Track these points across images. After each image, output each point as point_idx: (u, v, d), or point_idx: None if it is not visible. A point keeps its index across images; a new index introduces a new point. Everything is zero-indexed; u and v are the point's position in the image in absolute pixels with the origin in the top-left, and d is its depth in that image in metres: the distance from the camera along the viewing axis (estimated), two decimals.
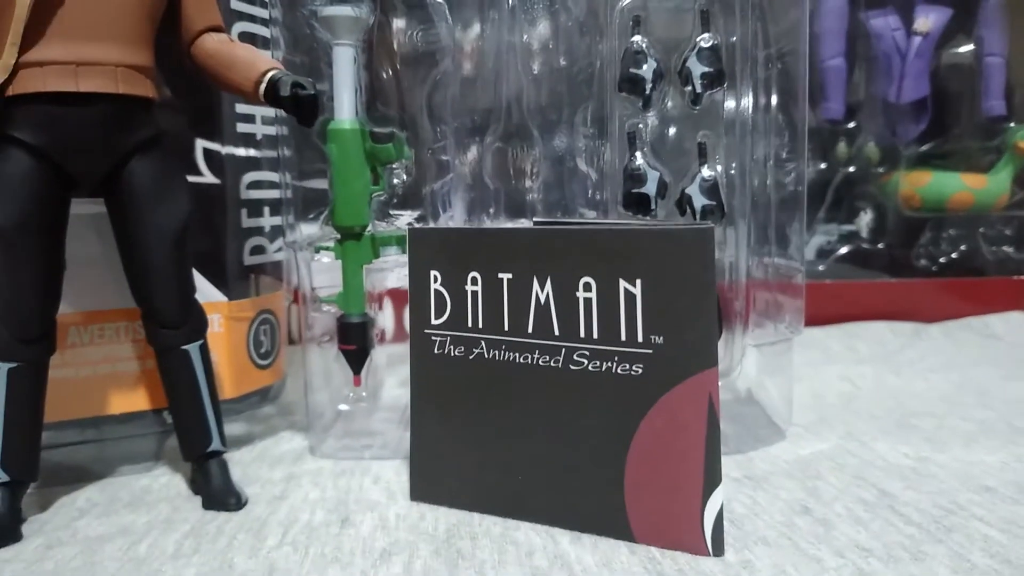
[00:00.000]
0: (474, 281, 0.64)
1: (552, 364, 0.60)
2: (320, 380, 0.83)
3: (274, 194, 0.86)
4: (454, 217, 0.85)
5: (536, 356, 0.61)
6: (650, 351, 0.55)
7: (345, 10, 0.77)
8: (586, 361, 0.58)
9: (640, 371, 0.56)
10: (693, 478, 0.55)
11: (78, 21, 0.61)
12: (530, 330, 0.61)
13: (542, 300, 0.60)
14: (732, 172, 0.80)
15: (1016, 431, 0.85)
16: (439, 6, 0.80)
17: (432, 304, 0.66)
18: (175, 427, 0.71)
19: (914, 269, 1.52)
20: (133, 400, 0.77)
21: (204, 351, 0.70)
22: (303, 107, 0.67)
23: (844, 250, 1.52)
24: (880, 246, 1.52)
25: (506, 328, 0.62)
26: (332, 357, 0.83)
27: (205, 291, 0.79)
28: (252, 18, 0.81)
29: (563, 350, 0.59)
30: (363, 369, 0.81)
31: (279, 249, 0.88)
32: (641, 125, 0.80)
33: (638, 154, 0.80)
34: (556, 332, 0.60)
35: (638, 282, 0.56)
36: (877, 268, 1.52)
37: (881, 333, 1.42)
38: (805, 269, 0.85)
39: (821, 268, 1.51)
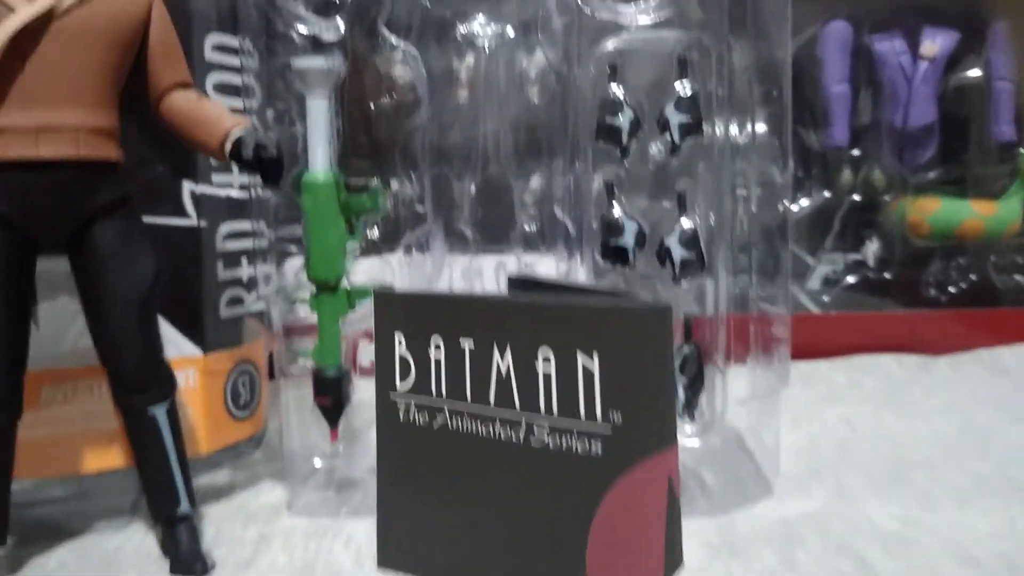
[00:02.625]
0: (437, 347, 0.63)
1: (513, 438, 0.58)
2: (296, 433, 0.83)
3: (254, 243, 0.86)
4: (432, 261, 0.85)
5: (498, 428, 0.59)
6: (609, 430, 0.54)
7: (318, 62, 0.76)
8: (546, 437, 0.57)
9: (599, 450, 0.54)
10: (654, 561, 0.53)
11: (38, 86, 0.61)
12: (492, 401, 0.60)
13: (503, 370, 0.59)
14: (711, 220, 0.78)
15: (1014, 486, 0.82)
16: (413, 58, 0.79)
17: (397, 368, 0.65)
18: (143, 489, 0.71)
19: (923, 299, 1.49)
20: (109, 457, 0.77)
21: (172, 413, 0.69)
22: (266, 169, 0.66)
23: (851, 279, 1.49)
24: (887, 275, 1.48)
25: (468, 397, 0.61)
26: (308, 409, 0.82)
27: (179, 345, 0.79)
28: (226, 68, 0.81)
29: (523, 424, 0.58)
30: (340, 422, 0.81)
31: (259, 299, 0.87)
32: (618, 174, 0.79)
33: (615, 204, 0.78)
34: (517, 404, 0.58)
35: (596, 357, 0.54)
36: (885, 298, 1.49)
37: (888, 367, 1.39)
38: (809, 302, 0.83)
39: (826, 299, 1.48)
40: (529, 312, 0.57)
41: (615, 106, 0.77)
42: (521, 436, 0.58)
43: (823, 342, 1.41)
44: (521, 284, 0.72)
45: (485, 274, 0.99)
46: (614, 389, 0.54)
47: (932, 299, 1.48)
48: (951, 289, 1.48)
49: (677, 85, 0.76)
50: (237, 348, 0.84)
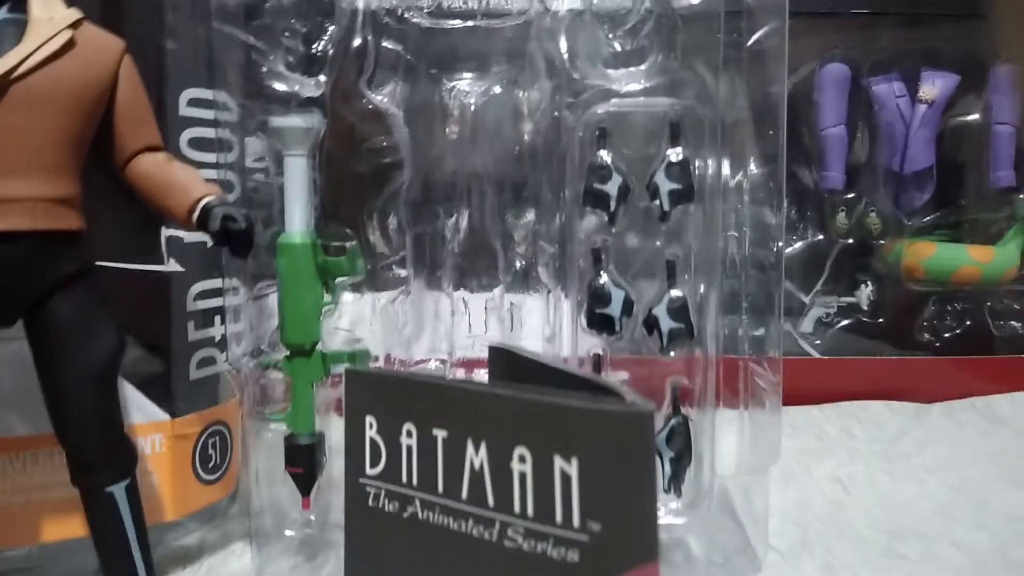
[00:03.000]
0: (409, 434, 0.60)
1: (486, 536, 0.55)
2: (267, 498, 0.80)
3: (227, 301, 0.83)
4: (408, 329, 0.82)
5: (470, 525, 0.56)
6: (586, 538, 0.51)
7: (295, 121, 0.74)
8: (520, 539, 0.54)
9: (576, 559, 0.51)
10: None
11: None
12: (464, 496, 0.57)
13: (476, 465, 0.56)
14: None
15: (1009, 566, 0.80)
16: (395, 116, 0.76)
17: (367, 452, 0.62)
18: (101, 566, 0.67)
19: (917, 344, 1.46)
20: (70, 526, 0.74)
21: (131, 490, 0.66)
22: (235, 241, 0.63)
23: (844, 323, 1.46)
24: (881, 320, 1.46)
25: (440, 490, 0.58)
26: (280, 477, 0.79)
27: (145, 410, 0.76)
28: (202, 122, 0.78)
29: (497, 523, 0.55)
30: (312, 491, 0.78)
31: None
32: (606, 241, 0.76)
33: (602, 272, 0.75)
34: (490, 502, 0.55)
35: (574, 461, 0.51)
36: (878, 342, 1.46)
37: (880, 414, 1.36)
38: (802, 342, 0.80)
39: (818, 342, 1.46)
40: (505, 406, 0.55)
41: (604, 172, 0.74)
42: (494, 535, 0.55)
43: (814, 386, 1.39)
44: (502, 358, 0.69)
45: (472, 313, 0.96)
46: (593, 496, 0.51)
47: (926, 344, 1.45)
48: (946, 335, 1.46)
49: (669, 152, 0.74)
50: (208, 409, 0.81)
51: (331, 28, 0.77)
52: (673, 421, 0.76)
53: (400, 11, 0.76)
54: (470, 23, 0.79)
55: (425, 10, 0.77)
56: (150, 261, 0.77)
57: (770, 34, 0.73)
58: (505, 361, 0.69)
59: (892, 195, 1.45)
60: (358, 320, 0.87)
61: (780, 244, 0.77)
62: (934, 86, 1.42)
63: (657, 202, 0.74)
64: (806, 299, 1.48)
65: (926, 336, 1.46)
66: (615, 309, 0.74)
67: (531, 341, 0.96)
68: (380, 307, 0.87)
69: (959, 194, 1.46)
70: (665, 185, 0.73)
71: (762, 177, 0.79)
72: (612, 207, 0.74)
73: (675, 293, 0.74)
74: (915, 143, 1.42)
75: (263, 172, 0.79)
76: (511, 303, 0.93)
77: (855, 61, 1.43)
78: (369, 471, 0.62)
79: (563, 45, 0.75)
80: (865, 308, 1.46)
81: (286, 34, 0.73)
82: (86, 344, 0.63)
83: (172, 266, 0.78)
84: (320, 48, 0.77)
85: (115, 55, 0.64)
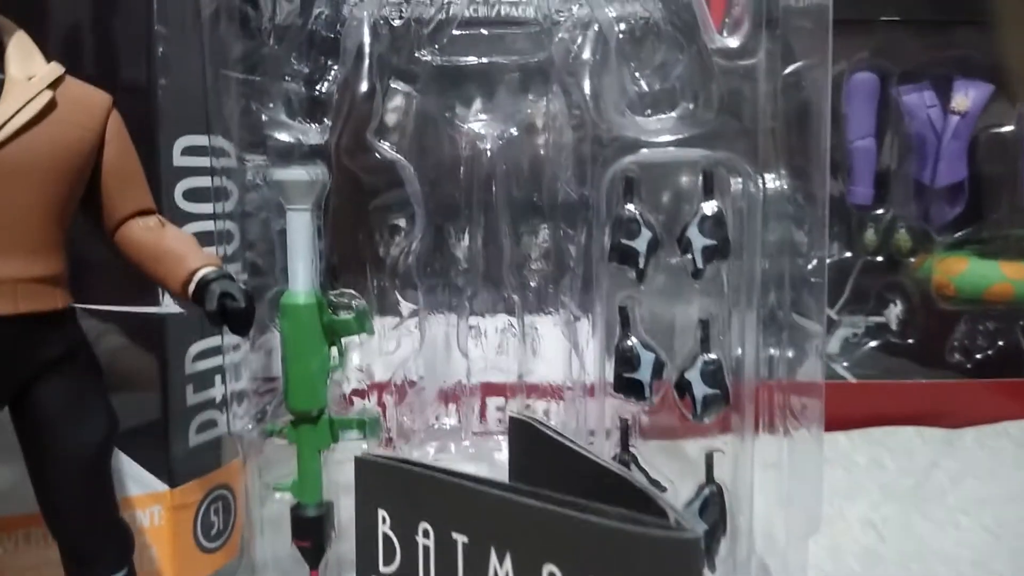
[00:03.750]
0: (426, 534, 0.55)
1: None
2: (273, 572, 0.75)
3: (227, 360, 0.78)
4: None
5: None
6: None
7: (299, 173, 0.68)
8: None
9: None
10: None
11: None
12: None
13: None
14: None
15: None
16: (405, 168, 0.71)
17: (380, 548, 0.57)
18: None
19: (947, 365, 1.40)
20: None
21: None
22: (233, 320, 0.58)
23: (873, 343, 1.41)
24: (911, 341, 1.40)
25: None
26: (287, 549, 0.74)
27: (143, 482, 0.71)
28: (197, 171, 0.72)
29: None
30: (321, 563, 0.73)
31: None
32: (634, 298, 0.71)
33: (630, 334, 0.70)
34: None
35: None
36: (908, 363, 1.41)
37: (910, 442, 1.31)
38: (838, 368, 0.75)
39: (846, 364, 1.40)
40: (534, 518, 0.50)
41: (631, 226, 0.69)
42: None
43: (843, 411, 1.33)
44: (524, 433, 0.64)
45: (488, 336, 0.92)
46: None
47: (957, 365, 1.40)
48: (977, 355, 1.40)
49: (703, 204, 0.68)
50: (210, 474, 0.76)
51: (335, 68, 0.71)
52: (707, 491, 0.71)
53: (410, 49, 0.70)
54: (484, 60, 0.73)
55: (436, 47, 0.72)
56: (144, 302, 0.72)
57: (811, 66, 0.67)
58: (528, 438, 0.64)
59: (922, 209, 1.39)
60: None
61: (822, 258, 0.72)
62: (967, 96, 1.35)
63: (690, 257, 0.69)
64: (834, 315, 1.42)
65: (957, 357, 1.40)
66: (644, 374, 0.69)
67: (547, 366, 0.91)
68: (390, 331, 0.83)
69: (992, 208, 1.39)
70: (699, 240, 0.68)
71: (792, 190, 0.73)
72: (641, 264, 0.69)
73: (709, 356, 0.69)
74: (947, 156, 1.36)
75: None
76: (526, 326, 0.88)
77: (884, 70, 1.36)
78: (383, 568, 0.57)
79: (587, 87, 0.69)
80: (894, 328, 1.41)
81: (287, 78, 0.67)
82: (75, 431, 0.58)
83: (168, 306, 0.72)
84: (324, 90, 0.71)
85: (101, 114, 0.59)
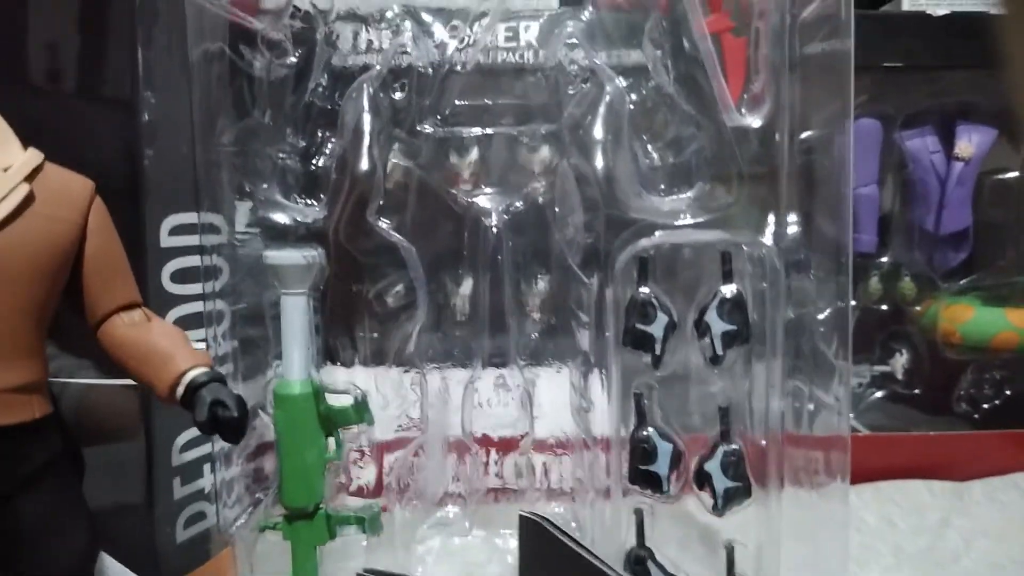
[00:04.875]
0: None
1: None
2: None
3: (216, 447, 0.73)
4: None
5: None
6: None
7: (295, 257, 0.64)
8: None
9: None
10: None
11: None
12: None
13: None
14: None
15: None
16: (408, 251, 0.67)
17: None
18: None
19: (955, 415, 1.37)
20: None
21: None
22: (225, 429, 0.54)
23: (879, 394, 1.38)
24: (917, 391, 1.37)
25: None
26: None
27: None
28: (186, 251, 0.68)
29: None
30: None
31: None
32: (649, 384, 0.67)
33: (647, 425, 0.66)
34: None
35: None
36: (914, 413, 1.38)
37: (920, 497, 1.27)
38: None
39: (852, 415, 1.37)
40: None
41: (647, 310, 0.65)
42: None
43: (851, 464, 1.30)
44: (535, 534, 0.60)
45: (484, 390, 0.88)
46: None
47: (964, 415, 1.37)
48: (984, 405, 1.37)
49: (722, 288, 0.64)
50: (199, 569, 0.72)
51: (332, 142, 0.68)
52: None
53: (412, 121, 0.66)
54: (489, 131, 0.69)
55: (438, 117, 0.68)
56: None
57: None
58: (538, 540, 0.60)
59: (926, 256, 1.37)
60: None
61: (845, 307, 0.69)
62: (970, 142, 1.33)
63: (708, 342, 0.65)
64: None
65: (964, 406, 1.37)
66: (662, 466, 0.65)
67: (547, 419, 0.88)
68: (388, 380, 0.79)
69: (997, 255, 1.37)
70: (718, 325, 0.64)
71: (801, 237, 0.71)
72: (658, 350, 0.65)
73: (730, 447, 0.65)
74: (951, 203, 1.34)
75: None
76: (526, 379, 0.85)
77: (886, 115, 1.34)
78: None
79: (599, 163, 0.66)
80: (900, 378, 1.38)
81: (281, 155, 0.64)
82: (56, 547, 0.54)
83: None
84: (321, 164, 0.67)
85: (82, 204, 0.55)
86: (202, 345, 0.67)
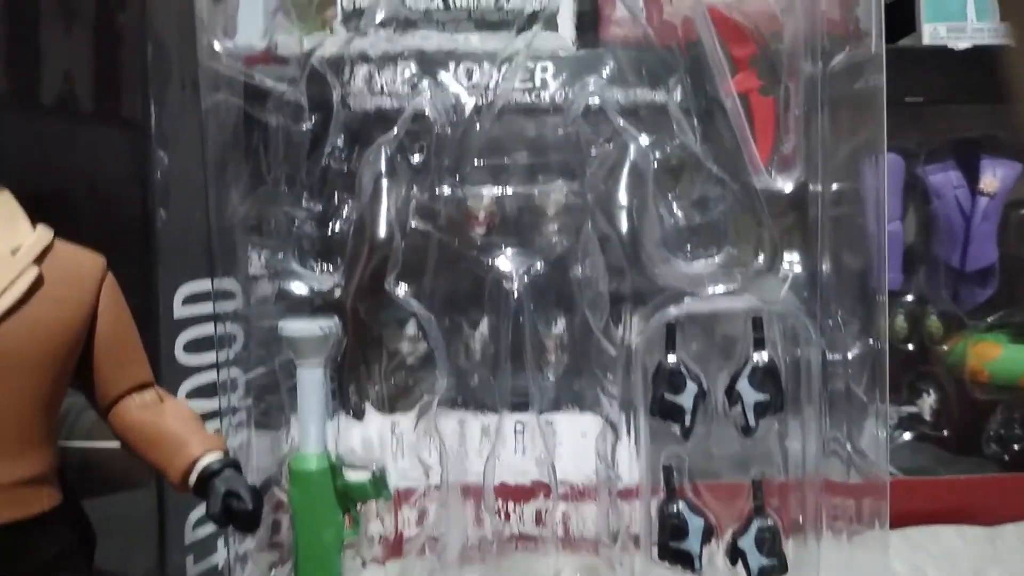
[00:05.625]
0: None
1: None
2: None
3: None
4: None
5: None
6: None
7: (311, 328, 0.62)
8: None
9: None
10: None
11: None
12: None
13: None
14: None
15: None
16: (428, 320, 0.65)
17: None
18: None
19: (984, 457, 1.33)
20: None
21: None
22: (239, 521, 0.52)
23: (906, 436, 1.34)
24: (945, 432, 1.33)
25: None
26: None
27: None
28: (200, 320, 0.67)
29: None
30: None
31: None
32: (680, 456, 0.64)
33: (677, 498, 0.64)
34: None
35: None
36: (943, 454, 1.34)
37: (951, 543, 1.23)
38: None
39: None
40: None
41: (676, 380, 0.63)
42: None
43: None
44: None
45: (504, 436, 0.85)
46: None
47: (994, 456, 1.33)
48: (1015, 446, 1.33)
49: (753, 355, 0.62)
50: None
51: (348, 205, 0.66)
52: None
53: (431, 184, 0.64)
54: (509, 190, 0.68)
55: (457, 178, 0.66)
56: None
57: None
58: None
59: (951, 292, 1.34)
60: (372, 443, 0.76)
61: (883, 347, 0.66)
62: (995, 176, 1.30)
63: (740, 411, 0.63)
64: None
65: (993, 447, 1.33)
66: (693, 543, 0.63)
67: (568, 465, 0.85)
68: (399, 430, 0.76)
69: None
70: (750, 395, 0.62)
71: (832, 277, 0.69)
72: (687, 422, 0.62)
73: (765, 522, 0.62)
74: (977, 238, 1.31)
75: None
76: (547, 422, 0.82)
77: (908, 150, 1.32)
78: None
79: (623, 225, 0.64)
80: (928, 419, 1.34)
81: (296, 224, 0.62)
82: None
83: None
84: (338, 229, 0.66)
85: (93, 284, 0.53)
86: (216, 421, 0.65)
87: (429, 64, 0.73)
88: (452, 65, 0.73)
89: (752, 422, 0.62)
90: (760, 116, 0.60)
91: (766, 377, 0.62)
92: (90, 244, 0.55)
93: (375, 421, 0.77)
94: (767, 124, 0.60)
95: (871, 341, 0.77)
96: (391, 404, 0.75)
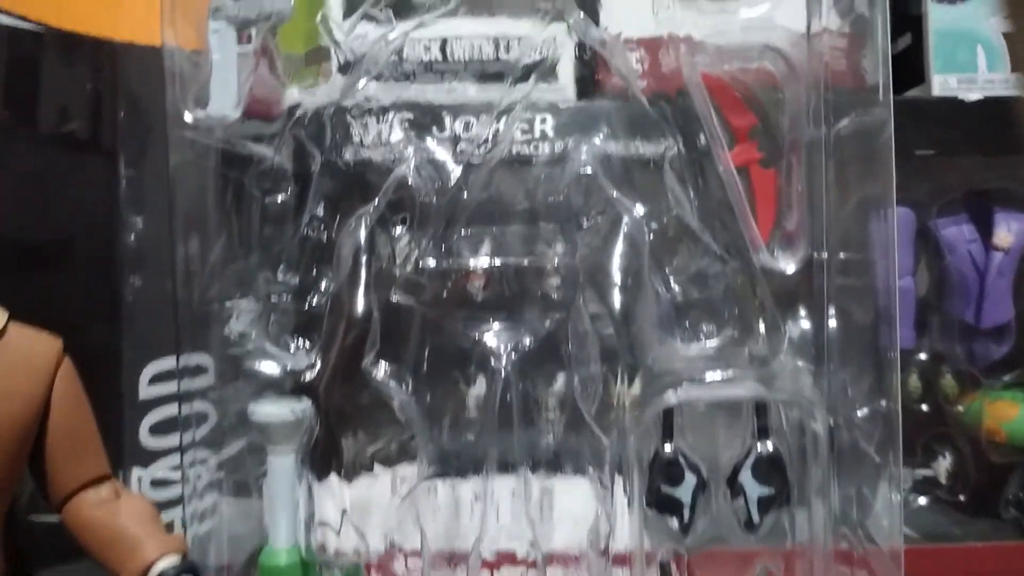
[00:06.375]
0: None
1: None
2: None
3: None
4: None
5: None
6: None
7: (283, 413, 0.59)
8: None
9: None
10: None
11: None
12: None
13: None
14: None
15: None
16: (408, 405, 0.61)
17: None
18: None
19: (1002, 521, 1.28)
20: None
21: None
22: None
23: (921, 500, 1.28)
24: (961, 497, 1.28)
25: None
26: None
27: None
28: (166, 400, 0.63)
29: None
30: None
31: None
32: (678, 552, 0.60)
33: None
34: None
35: None
36: (960, 518, 1.28)
37: None
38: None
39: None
40: None
41: (672, 470, 0.58)
42: None
43: None
44: None
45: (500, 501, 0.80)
46: None
47: (1012, 520, 1.27)
48: None
49: (757, 445, 0.58)
50: None
51: (327, 278, 0.62)
52: None
53: (415, 258, 0.61)
54: (497, 261, 0.64)
55: (443, 248, 0.63)
56: None
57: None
58: None
59: (966, 349, 1.29)
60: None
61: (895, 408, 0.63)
62: (1010, 231, 1.26)
63: (743, 504, 0.58)
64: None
65: (1012, 511, 1.28)
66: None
67: (567, 533, 0.80)
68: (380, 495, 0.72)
69: None
70: (753, 489, 0.58)
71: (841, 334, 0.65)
72: (686, 516, 0.58)
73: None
74: (992, 294, 1.26)
75: None
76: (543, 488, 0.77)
77: (919, 203, 1.28)
78: None
79: (616, 302, 0.60)
80: (944, 482, 1.29)
81: (272, 298, 0.59)
82: None
83: None
84: (315, 303, 0.62)
85: (47, 370, 0.50)
86: (178, 512, 0.61)
87: (424, 116, 0.71)
88: (448, 117, 0.71)
89: (756, 518, 0.58)
90: (761, 190, 0.56)
91: (771, 469, 0.58)
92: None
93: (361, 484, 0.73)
94: (768, 198, 0.56)
95: (883, 401, 0.73)
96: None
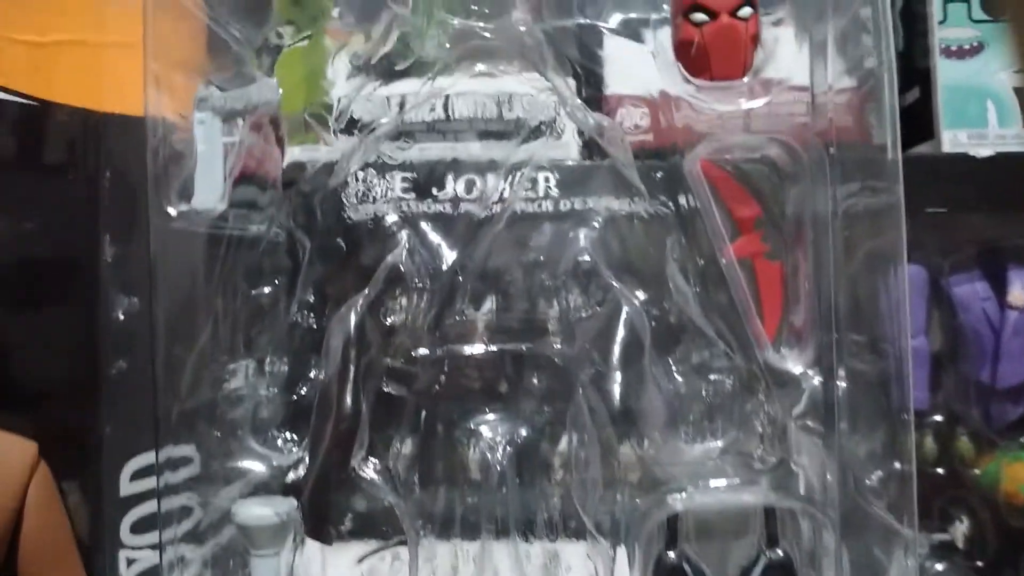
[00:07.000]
0: None
1: None
2: None
3: None
4: None
5: None
6: None
7: (266, 516, 0.56)
8: None
9: None
10: None
11: None
12: None
13: None
14: None
15: None
16: (399, 506, 0.58)
17: None
18: None
19: None
20: None
21: None
22: None
23: (939, 567, 1.24)
24: (980, 563, 1.23)
25: None
26: None
27: None
28: (150, 495, 0.60)
29: None
30: None
31: None
32: None
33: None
34: None
35: None
36: None
37: None
38: None
39: None
40: None
41: None
42: None
43: None
44: None
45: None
46: None
47: None
48: None
49: (767, 551, 0.55)
50: None
51: (316, 368, 0.60)
52: None
53: (407, 349, 0.59)
54: (493, 348, 0.62)
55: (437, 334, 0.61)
56: None
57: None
58: None
59: (982, 410, 1.26)
60: None
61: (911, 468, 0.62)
62: None
63: None
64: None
65: None
66: None
67: None
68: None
69: None
70: None
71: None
72: None
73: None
74: (1008, 354, 1.23)
75: None
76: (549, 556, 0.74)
77: (932, 261, 1.26)
78: None
79: (616, 392, 0.57)
80: (961, 547, 1.25)
81: (263, 392, 0.56)
82: None
83: None
84: (304, 393, 0.60)
85: (18, 483, 0.48)
86: None
87: (428, 177, 0.69)
88: (451, 177, 0.70)
89: None
90: (766, 284, 0.54)
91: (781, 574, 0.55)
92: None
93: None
94: (774, 293, 0.54)
95: (896, 464, 0.71)
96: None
